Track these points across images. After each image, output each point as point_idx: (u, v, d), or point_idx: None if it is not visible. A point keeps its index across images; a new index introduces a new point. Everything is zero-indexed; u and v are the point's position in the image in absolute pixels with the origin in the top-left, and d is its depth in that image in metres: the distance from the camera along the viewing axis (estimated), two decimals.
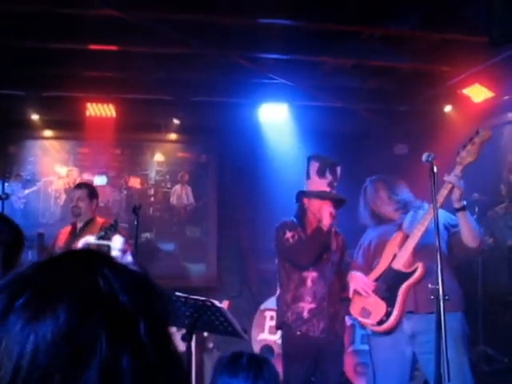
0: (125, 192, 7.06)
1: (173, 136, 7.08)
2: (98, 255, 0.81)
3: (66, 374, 0.67)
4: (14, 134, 6.80)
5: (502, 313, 5.61)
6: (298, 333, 3.69)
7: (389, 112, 6.67)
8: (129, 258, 3.75)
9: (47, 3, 4.24)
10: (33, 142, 6.90)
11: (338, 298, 3.83)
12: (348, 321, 4.64)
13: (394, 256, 3.45)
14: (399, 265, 3.40)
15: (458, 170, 3.17)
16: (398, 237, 3.50)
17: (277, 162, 6.49)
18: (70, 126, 6.78)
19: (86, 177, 6.83)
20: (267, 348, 5.70)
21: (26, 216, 6.59)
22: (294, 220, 3.87)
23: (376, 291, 3.47)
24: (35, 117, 6.48)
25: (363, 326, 3.68)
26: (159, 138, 7.14)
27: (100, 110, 6.35)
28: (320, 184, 3.76)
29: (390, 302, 3.38)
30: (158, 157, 7.14)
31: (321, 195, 3.76)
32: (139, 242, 4.85)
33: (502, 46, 3.69)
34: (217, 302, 3.19)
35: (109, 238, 3.28)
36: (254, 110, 6.50)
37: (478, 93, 5.71)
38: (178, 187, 7.15)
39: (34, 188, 6.84)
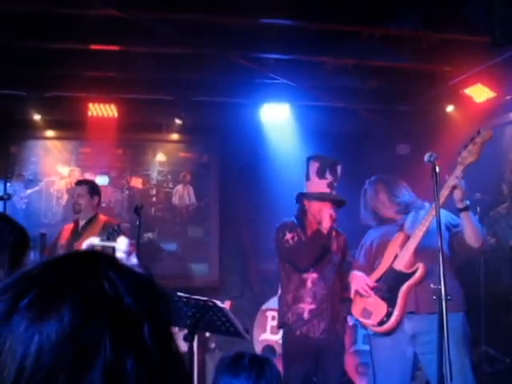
0: (127, 192, 7.06)
1: (174, 136, 7.09)
2: (104, 257, 0.81)
3: (70, 374, 0.67)
4: (15, 134, 6.81)
5: (503, 313, 5.60)
6: (298, 333, 3.69)
7: (390, 112, 6.67)
8: (134, 260, 3.74)
9: (47, 3, 4.24)
10: (35, 142, 6.91)
11: (338, 298, 3.82)
12: (350, 321, 4.65)
13: (396, 256, 3.44)
14: (400, 265, 3.40)
15: (459, 169, 3.16)
16: (399, 237, 3.49)
17: (278, 161, 6.49)
18: (71, 126, 6.79)
19: (88, 177, 6.81)
20: (269, 348, 5.71)
21: (28, 216, 6.60)
22: (295, 221, 3.86)
23: (377, 291, 3.47)
24: (37, 117, 6.48)
25: (364, 327, 3.67)
26: (161, 138, 7.15)
27: (102, 110, 6.36)
28: (320, 185, 3.73)
29: (391, 302, 3.38)
30: (160, 157, 7.14)
31: (320, 197, 3.74)
32: (141, 242, 4.86)
33: (504, 46, 3.68)
34: (219, 302, 3.19)
35: (114, 240, 3.27)
36: (256, 110, 6.51)
37: (479, 93, 5.71)
38: (179, 187, 7.15)
39: (36, 188, 6.84)
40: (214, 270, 7.04)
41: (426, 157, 2.91)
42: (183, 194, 7.15)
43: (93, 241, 3.43)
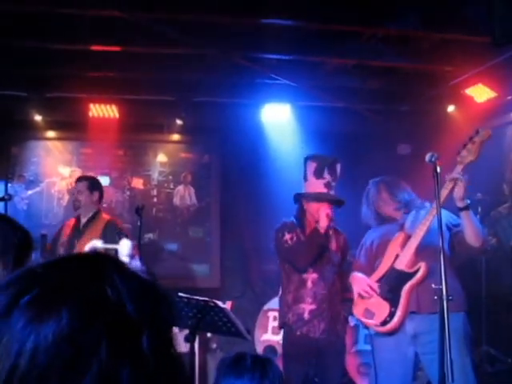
0: (128, 193, 7.07)
1: (175, 136, 7.09)
2: (109, 260, 0.80)
3: (63, 377, 0.66)
4: (16, 134, 6.81)
5: (505, 313, 5.60)
6: (298, 333, 3.69)
7: (391, 112, 6.67)
8: (137, 263, 3.74)
9: (47, 3, 4.24)
10: (35, 143, 6.91)
11: (339, 298, 3.82)
12: (351, 321, 4.64)
13: (397, 256, 3.44)
14: (402, 265, 3.40)
15: (458, 168, 3.17)
16: (399, 237, 3.49)
17: (279, 162, 6.49)
18: (72, 126, 6.79)
19: None
20: (270, 348, 5.70)
21: (29, 217, 6.60)
22: (294, 221, 3.86)
23: (379, 292, 3.47)
24: (38, 117, 6.49)
25: (366, 326, 3.67)
26: (162, 139, 7.15)
27: (103, 111, 6.36)
28: (317, 185, 3.72)
29: (393, 302, 3.38)
30: (161, 157, 7.14)
31: (317, 197, 3.73)
32: (142, 243, 4.86)
33: (505, 46, 3.68)
34: (220, 303, 3.19)
35: (116, 243, 3.28)
36: (257, 110, 6.51)
37: (480, 93, 5.71)
38: (180, 188, 7.15)
39: (37, 189, 6.85)
40: (215, 271, 7.04)
41: (427, 157, 2.92)
42: (184, 195, 7.15)
43: (95, 243, 3.44)
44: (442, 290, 2.67)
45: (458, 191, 3.16)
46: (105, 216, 4.79)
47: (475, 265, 5.64)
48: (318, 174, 3.71)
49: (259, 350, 5.71)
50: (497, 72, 5.30)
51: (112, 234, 4.43)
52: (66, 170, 6.93)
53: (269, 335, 5.84)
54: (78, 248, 4.40)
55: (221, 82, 6.05)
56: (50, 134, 6.86)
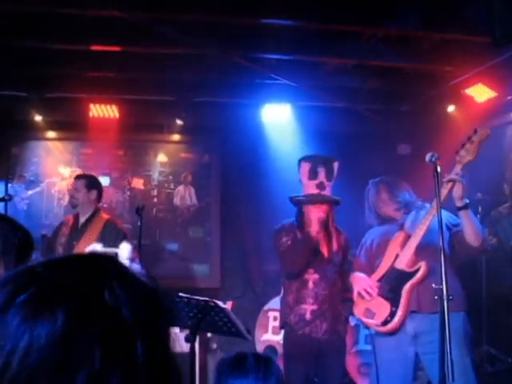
0: (128, 193, 7.07)
1: (176, 137, 7.09)
2: (110, 262, 0.79)
3: (51, 379, 0.65)
4: (16, 134, 6.81)
5: (505, 313, 5.59)
6: (300, 333, 3.68)
7: (391, 112, 6.67)
8: (137, 267, 3.74)
9: (47, 3, 4.24)
10: (36, 143, 6.92)
11: (340, 298, 3.81)
12: (352, 321, 4.64)
13: (397, 256, 3.45)
14: (402, 264, 3.40)
15: (457, 168, 3.17)
16: (399, 237, 3.50)
17: (279, 162, 6.48)
18: (72, 126, 6.79)
19: None
20: (271, 348, 5.70)
21: (29, 217, 6.60)
22: (294, 222, 3.80)
23: (379, 291, 3.47)
24: (38, 118, 6.49)
25: (367, 326, 3.67)
26: (162, 139, 7.15)
27: (103, 111, 6.36)
28: (310, 187, 3.66)
29: (394, 302, 3.38)
30: (161, 157, 7.14)
31: (310, 200, 3.67)
32: (142, 243, 4.85)
33: (505, 46, 3.68)
34: (220, 303, 3.19)
35: (116, 246, 3.27)
36: (257, 110, 6.51)
37: (480, 93, 5.70)
38: (181, 188, 7.15)
39: (37, 189, 6.85)
40: (216, 271, 7.04)
41: (428, 157, 2.92)
42: (184, 195, 7.15)
43: (95, 247, 3.43)
44: (442, 289, 2.67)
45: (457, 191, 3.16)
46: (104, 215, 4.75)
47: (475, 265, 5.64)
48: (311, 175, 3.65)
49: (259, 349, 5.71)
50: (497, 72, 5.30)
51: (111, 233, 4.43)
52: (66, 170, 6.93)
53: (269, 335, 5.83)
54: (78, 248, 4.38)
55: (221, 82, 6.05)
56: (50, 134, 6.86)
